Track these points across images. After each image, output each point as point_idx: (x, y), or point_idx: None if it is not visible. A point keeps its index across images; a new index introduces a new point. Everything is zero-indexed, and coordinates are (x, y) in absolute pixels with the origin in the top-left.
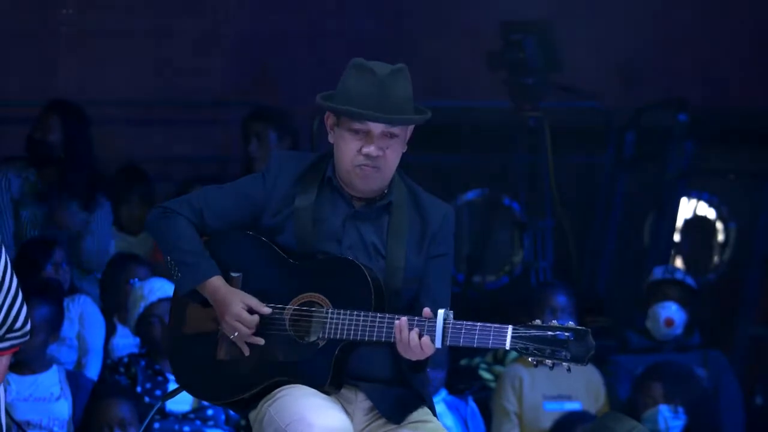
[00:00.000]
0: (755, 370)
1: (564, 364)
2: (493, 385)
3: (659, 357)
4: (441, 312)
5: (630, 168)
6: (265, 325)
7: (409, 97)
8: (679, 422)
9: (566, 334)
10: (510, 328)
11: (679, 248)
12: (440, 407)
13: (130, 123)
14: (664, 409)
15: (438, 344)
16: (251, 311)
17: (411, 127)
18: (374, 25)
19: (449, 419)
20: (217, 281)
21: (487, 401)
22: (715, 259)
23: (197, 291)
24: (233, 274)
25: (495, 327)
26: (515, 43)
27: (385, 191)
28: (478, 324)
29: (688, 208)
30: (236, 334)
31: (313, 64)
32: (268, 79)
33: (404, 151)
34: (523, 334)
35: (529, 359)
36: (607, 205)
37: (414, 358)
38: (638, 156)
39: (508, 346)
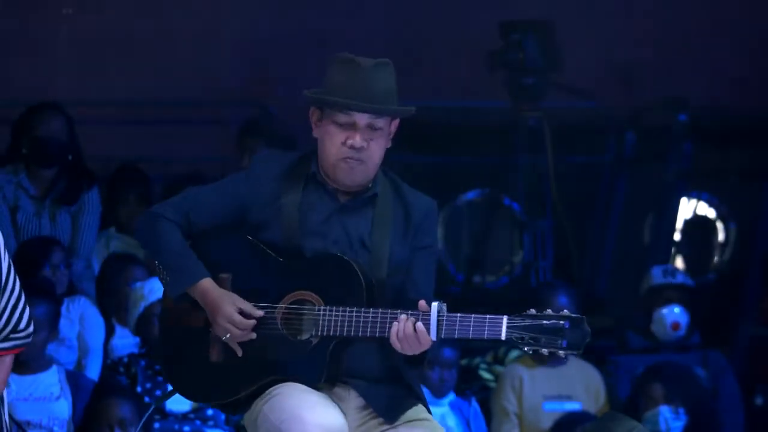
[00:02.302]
0: (755, 370)
1: (560, 352)
2: (493, 385)
3: (659, 357)
4: (435, 305)
5: (630, 168)
6: (257, 325)
7: (393, 90)
8: (680, 423)
9: (561, 322)
10: (505, 318)
11: (679, 248)
12: (444, 408)
13: (130, 123)
14: (664, 410)
15: (433, 337)
16: (243, 315)
17: (395, 122)
18: (374, 25)
19: (452, 420)
20: (206, 283)
21: (486, 401)
22: (715, 259)
23: (188, 294)
24: (222, 275)
25: (490, 318)
26: (515, 43)
27: (370, 185)
28: (473, 315)
29: (688, 208)
30: (228, 335)
31: (312, 65)
32: (268, 79)
33: (388, 146)
34: (518, 324)
35: (525, 348)
36: (607, 205)
37: (410, 352)
38: (638, 156)
39: (503, 337)
